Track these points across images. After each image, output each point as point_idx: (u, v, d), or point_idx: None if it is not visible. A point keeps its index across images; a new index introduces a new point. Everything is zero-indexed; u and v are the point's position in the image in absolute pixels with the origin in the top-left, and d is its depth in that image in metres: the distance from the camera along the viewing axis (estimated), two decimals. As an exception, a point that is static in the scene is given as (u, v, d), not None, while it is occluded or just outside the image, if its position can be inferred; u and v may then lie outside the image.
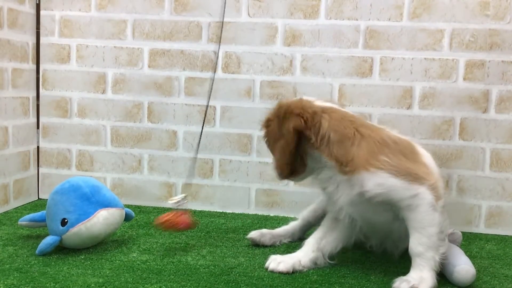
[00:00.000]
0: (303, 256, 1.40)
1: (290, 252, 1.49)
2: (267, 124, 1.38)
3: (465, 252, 1.40)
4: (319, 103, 1.35)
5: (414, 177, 1.26)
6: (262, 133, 1.41)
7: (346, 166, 1.27)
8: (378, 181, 1.25)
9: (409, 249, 1.28)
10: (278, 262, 1.37)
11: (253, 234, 1.60)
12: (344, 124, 1.30)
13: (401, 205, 1.27)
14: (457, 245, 1.46)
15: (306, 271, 1.38)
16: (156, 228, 1.54)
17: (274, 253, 1.53)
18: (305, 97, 1.37)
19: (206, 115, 1.78)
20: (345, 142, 1.28)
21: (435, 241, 1.26)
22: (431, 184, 1.27)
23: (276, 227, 1.67)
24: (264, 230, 1.62)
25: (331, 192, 1.34)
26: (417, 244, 1.26)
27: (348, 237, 1.43)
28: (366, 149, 1.26)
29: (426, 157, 1.38)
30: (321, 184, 1.37)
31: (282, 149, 1.31)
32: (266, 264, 1.39)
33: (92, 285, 1.23)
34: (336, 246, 1.43)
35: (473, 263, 1.34)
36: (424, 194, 1.25)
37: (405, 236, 1.32)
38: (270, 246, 1.60)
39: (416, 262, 1.27)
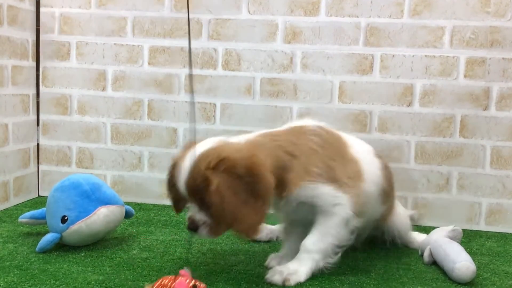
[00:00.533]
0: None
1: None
2: (210, 184, 1.14)
3: (466, 249, 1.40)
4: (247, 147, 1.22)
5: (340, 185, 1.27)
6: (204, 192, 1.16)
7: (283, 192, 1.24)
8: (307, 192, 1.25)
9: (302, 243, 1.30)
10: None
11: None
12: (278, 159, 1.24)
13: (320, 209, 1.28)
14: (458, 242, 1.46)
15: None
16: None
17: (275, 250, 1.53)
18: (230, 144, 1.23)
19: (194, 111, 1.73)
20: (282, 173, 1.23)
21: (329, 250, 1.29)
22: (354, 195, 1.28)
23: (276, 224, 1.67)
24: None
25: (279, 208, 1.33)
26: (312, 243, 1.29)
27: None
28: (298, 168, 1.24)
29: (361, 152, 1.37)
30: None
31: (260, 210, 1.18)
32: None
33: (92, 282, 1.23)
34: None
35: (474, 260, 1.34)
36: (345, 207, 1.27)
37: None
38: (268, 241, 1.60)
39: (300, 256, 1.29)
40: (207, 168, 1.15)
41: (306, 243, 1.29)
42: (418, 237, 1.61)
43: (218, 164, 1.15)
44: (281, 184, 1.23)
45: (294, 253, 1.34)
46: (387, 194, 1.46)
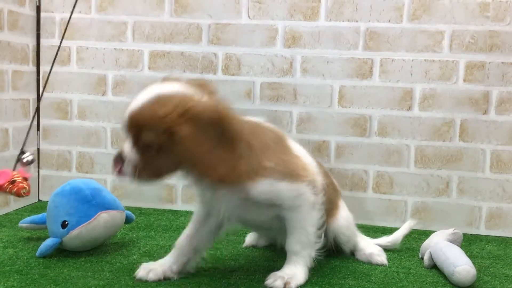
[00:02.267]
0: (174, 262, 1.33)
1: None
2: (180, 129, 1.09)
3: (466, 253, 1.40)
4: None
5: (296, 177, 1.25)
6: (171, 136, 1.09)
7: (227, 180, 1.18)
8: (262, 188, 1.21)
9: (286, 246, 1.30)
10: (148, 271, 1.30)
11: (249, 238, 1.62)
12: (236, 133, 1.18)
13: (284, 206, 1.26)
14: (458, 245, 1.46)
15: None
16: None
17: (274, 255, 1.53)
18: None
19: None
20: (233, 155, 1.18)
21: (312, 240, 1.30)
22: (310, 181, 1.28)
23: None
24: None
25: (211, 194, 1.26)
26: (295, 243, 1.29)
27: (221, 228, 1.37)
28: (253, 161, 1.19)
29: (300, 149, 1.36)
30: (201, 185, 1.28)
31: (231, 155, 1.13)
32: (135, 273, 1.30)
33: (92, 287, 1.23)
34: (209, 239, 1.37)
35: (474, 263, 1.34)
36: (306, 194, 1.27)
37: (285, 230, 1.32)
38: (267, 246, 1.61)
39: (292, 259, 1.30)
40: (170, 114, 1.08)
41: (290, 246, 1.29)
42: (367, 248, 1.52)
43: (185, 112, 1.09)
44: (233, 169, 1.16)
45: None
46: (325, 192, 1.40)
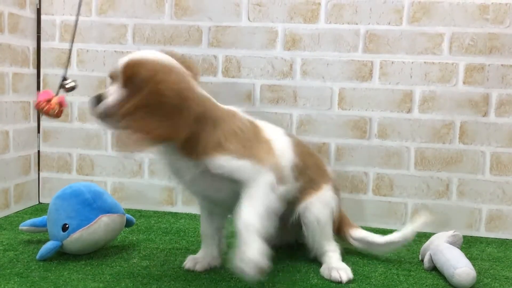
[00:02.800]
0: (212, 250, 1.44)
1: (290, 254, 1.50)
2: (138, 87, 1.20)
3: (466, 255, 1.40)
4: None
5: (257, 159, 1.26)
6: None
7: (192, 153, 1.25)
8: (220, 163, 1.24)
9: (237, 222, 1.21)
10: (195, 263, 1.41)
11: None
12: (204, 115, 1.27)
13: (243, 184, 1.25)
14: (458, 247, 1.46)
15: (306, 273, 1.39)
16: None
17: (276, 257, 1.53)
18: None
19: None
20: (199, 130, 1.25)
21: (264, 214, 1.22)
22: (272, 164, 1.28)
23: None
24: None
25: (176, 166, 1.32)
26: (246, 213, 1.22)
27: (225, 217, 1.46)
28: (213, 138, 1.25)
29: (271, 133, 1.38)
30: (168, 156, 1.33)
31: (174, 126, 1.20)
32: (184, 264, 1.42)
33: (93, 290, 1.23)
34: (223, 218, 1.46)
35: (474, 266, 1.34)
36: (266, 176, 1.25)
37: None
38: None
39: (243, 235, 1.20)
40: (156, 71, 1.20)
41: (241, 217, 1.21)
42: (333, 262, 1.42)
43: (166, 74, 1.21)
44: (192, 142, 1.24)
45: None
46: (300, 171, 1.42)
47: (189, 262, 1.43)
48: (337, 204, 1.51)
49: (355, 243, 1.55)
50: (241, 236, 1.20)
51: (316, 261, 1.45)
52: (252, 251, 1.17)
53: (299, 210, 1.43)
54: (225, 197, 1.33)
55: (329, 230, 1.45)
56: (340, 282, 1.34)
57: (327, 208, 1.44)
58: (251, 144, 1.30)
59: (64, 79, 1.46)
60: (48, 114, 1.41)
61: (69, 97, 2.05)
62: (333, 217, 1.47)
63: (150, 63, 1.22)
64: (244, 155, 1.26)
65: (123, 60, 1.25)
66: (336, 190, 1.52)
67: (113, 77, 1.27)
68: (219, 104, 1.34)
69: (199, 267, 1.41)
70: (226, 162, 1.25)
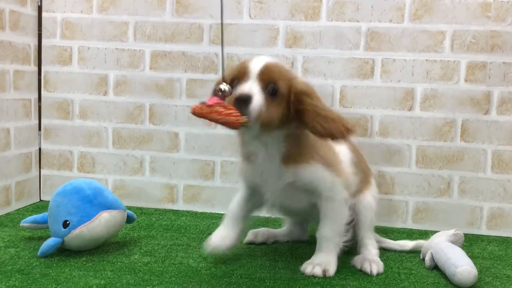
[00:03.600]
0: (235, 231, 1.46)
1: (292, 251, 1.50)
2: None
3: (467, 253, 1.40)
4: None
5: (336, 170, 1.38)
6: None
7: (290, 159, 1.33)
8: (313, 173, 1.34)
9: (318, 233, 1.39)
10: (221, 238, 1.43)
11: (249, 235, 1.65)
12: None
13: (323, 195, 1.37)
14: (459, 246, 1.46)
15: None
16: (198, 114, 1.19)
17: (277, 254, 1.53)
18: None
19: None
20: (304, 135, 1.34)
21: (342, 230, 1.39)
22: (345, 180, 1.40)
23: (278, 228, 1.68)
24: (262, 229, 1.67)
25: (259, 173, 1.37)
26: (328, 229, 1.38)
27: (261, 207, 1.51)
28: (310, 147, 1.34)
29: (343, 152, 1.47)
30: (252, 156, 1.36)
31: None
32: (208, 243, 1.42)
33: (94, 286, 1.23)
34: (251, 212, 1.51)
35: (475, 264, 1.34)
36: (342, 190, 1.39)
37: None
38: (267, 244, 1.63)
39: (323, 246, 1.38)
40: (296, 76, 1.31)
41: (322, 232, 1.38)
42: (373, 251, 1.49)
43: (303, 81, 1.31)
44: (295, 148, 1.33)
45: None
46: (356, 173, 1.50)
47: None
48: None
49: None
50: (319, 245, 1.39)
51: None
52: (322, 257, 1.37)
53: (353, 204, 1.49)
54: (301, 207, 1.43)
55: (373, 223, 1.55)
56: (369, 274, 1.39)
57: (375, 201, 1.55)
58: (328, 151, 1.39)
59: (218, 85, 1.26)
60: (235, 124, 1.18)
61: (70, 94, 2.05)
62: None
63: (283, 67, 1.30)
64: (328, 164, 1.36)
65: (259, 62, 1.27)
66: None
67: (239, 77, 1.26)
68: None
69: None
70: (316, 171, 1.34)
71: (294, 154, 1.32)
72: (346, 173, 1.42)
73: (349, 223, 1.43)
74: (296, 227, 1.68)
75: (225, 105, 1.17)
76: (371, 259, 1.44)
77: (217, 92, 1.21)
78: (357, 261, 1.45)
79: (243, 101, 1.19)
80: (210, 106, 1.16)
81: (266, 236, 1.65)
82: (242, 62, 1.30)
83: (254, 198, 1.45)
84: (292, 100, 1.26)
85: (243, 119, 1.16)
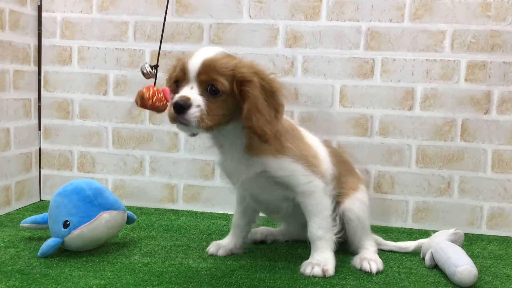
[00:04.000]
0: (237, 239, 1.53)
1: (291, 251, 1.50)
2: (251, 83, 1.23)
3: (467, 253, 1.40)
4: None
5: (309, 164, 1.36)
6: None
7: (253, 149, 1.32)
8: (281, 165, 1.33)
9: (309, 234, 1.39)
10: (218, 248, 1.50)
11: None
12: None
13: (297, 190, 1.37)
14: (459, 245, 1.46)
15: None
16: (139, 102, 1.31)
17: (276, 254, 1.53)
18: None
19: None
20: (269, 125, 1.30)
21: (330, 223, 1.39)
22: (321, 172, 1.39)
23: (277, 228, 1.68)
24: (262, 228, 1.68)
25: (229, 163, 1.37)
26: (317, 228, 1.37)
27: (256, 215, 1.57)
28: (279, 139, 1.33)
29: (315, 143, 1.47)
30: (221, 147, 1.37)
31: (273, 119, 1.27)
32: (207, 249, 1.52)
33: (94, 287, 1.23)
34: (254, 215, 1.56)
35: (475, 263, 1.34)
36: (317, 181, 1.37)
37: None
38: (267, 244, 1.64)
39: (318, 245, 1.38)
40: (243, 67, 1.24)
41: (313, 232, 1.38)
42: (371, 250, 1.49)
43: (256, 71, 1.26)
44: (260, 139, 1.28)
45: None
46: (337, 179, 1.49)
47: (213, 247, 1.52)
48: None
49: None
50: (313, 245, 1.39)
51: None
52: (319, 256, 1.36)
53: (341, 210, 1.48)
54: (272, 200, 1.43)
55: (368, 226, 1.52)
56: (369, 273, 1.39)
57: (365, 206, 1.52)
58: (300, 144, 1.39)
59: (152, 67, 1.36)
60: (155, 107, 1.28)
61: (70, 94, 2.05)
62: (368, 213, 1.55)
63: (222, 58, 1.25)
64: (299, 156, 1.35)
65: (196, 61, 1.23)
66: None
67: (179, 79, 1.26)
68: None
69: (221, 252, 1.50)
70: (285, 164, 1.33)
71: (258, 144, 1.30)
72: (320, 163, 1.41)
73: (333, 211, 1.41)
74: (294, 226, 1.67)
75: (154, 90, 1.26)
76: (369, 258, 1.43)
77: (142, 72, 1.30)
78: (356, 261, 1.45)
79: (181, 108, 1.19)
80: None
81: (265, 235, 1.65)
82: (181, 61, 1.26)
83: (249, 206, 1.49)
84: (236, 93, 1.22)
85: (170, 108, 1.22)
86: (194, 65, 1.22)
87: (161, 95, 1.27)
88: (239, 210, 1.54)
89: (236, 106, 1.25)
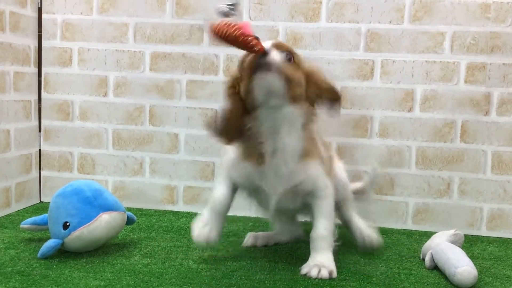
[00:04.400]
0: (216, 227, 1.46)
1: (291, 252, 1.50)
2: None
3: (467, 254, 1.40)
4: None
5: (326, 167, 1.42)
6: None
7: (306, 153, 1.36)
8: (317, 168, 1.37)
9: (314, 233, 1.39)
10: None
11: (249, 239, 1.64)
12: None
13: (316, 194, 1.39)
14: (459, 246, 1.46)
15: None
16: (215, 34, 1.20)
17: (276, 256, 1.53)
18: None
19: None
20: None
21: (333, 230, 1.42)
22: (330, 176, 1.44)
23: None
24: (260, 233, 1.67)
25: (283, 168, 1.35)
26: (323, 228, 1.39)
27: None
28: (315, 139, 1.40)
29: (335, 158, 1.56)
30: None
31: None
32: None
33: (94, 288, 1.23)
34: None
35: (475, 265, 1.34)
36: (331, 189, 1.41)
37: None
38: (266, 246, 1.63)
39: (320, 245, 1.38)
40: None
41: (319, 231, 1.39)
42: (359, 223, 1.60)
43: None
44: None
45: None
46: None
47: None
48: None
49: None
50: (315, 244, 1.39)
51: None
52: (322, 258, 1.37)
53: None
54: (295, 208, 1.46)
55: (351, 198, 1.62)
56: (373, 247, 1.54)
57: (345, 173, 1.61)
58: (321, 149, 1.41)
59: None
60: (230, 33, 1.16)
61: (70, 96, 2.06)
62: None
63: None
64: (322, 162, 1.39)
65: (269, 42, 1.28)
66: None
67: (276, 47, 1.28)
68: None
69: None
70: (317, 169, 1.37)
71: (309, 147, 1.35)
72: (333, 169, 1.48)
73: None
74: (288, 225, 1.67)
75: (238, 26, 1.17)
76: (367, 234, 1.57)
77: (220, 15, 1.19)
78: (355, 234, 1.57)
79: (263, 56, 1.22)
80: (227, 24, 1.16)
81: (266, 240, 1.64)
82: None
83: (233, 194, 1.50)
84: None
85: (261, 45, 1.20)
86: (268, 43, 1.27)
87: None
88: (225, 198, 1.48)
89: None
